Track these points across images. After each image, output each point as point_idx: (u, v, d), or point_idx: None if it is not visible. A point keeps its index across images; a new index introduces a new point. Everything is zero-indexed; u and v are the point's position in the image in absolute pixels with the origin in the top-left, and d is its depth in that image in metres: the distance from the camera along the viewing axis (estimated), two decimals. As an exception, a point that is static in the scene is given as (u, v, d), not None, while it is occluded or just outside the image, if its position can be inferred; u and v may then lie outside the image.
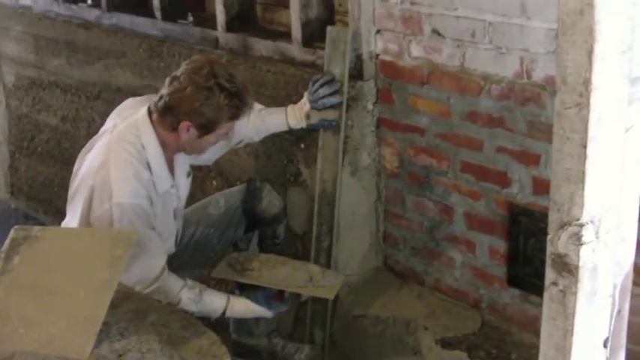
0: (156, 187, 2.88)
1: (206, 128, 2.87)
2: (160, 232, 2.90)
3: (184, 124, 2.85)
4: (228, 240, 3.38)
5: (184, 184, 3.11)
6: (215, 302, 2.97)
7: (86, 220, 2.83)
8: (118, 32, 4.57)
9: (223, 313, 2.99)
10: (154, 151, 2.88)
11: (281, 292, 3.06)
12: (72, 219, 2.93)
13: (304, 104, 3.27)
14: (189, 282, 2.92)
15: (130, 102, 3.13)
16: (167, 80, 2.89)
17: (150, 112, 2.91)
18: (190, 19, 4.23)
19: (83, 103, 4.88)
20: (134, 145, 2.85)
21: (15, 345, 2.22)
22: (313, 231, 3.44)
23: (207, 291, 2.96)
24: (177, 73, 2.88)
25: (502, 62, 2.96)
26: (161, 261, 2.86)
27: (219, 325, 2.98)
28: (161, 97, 2.87)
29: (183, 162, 3.07)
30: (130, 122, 2.92)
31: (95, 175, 2.82)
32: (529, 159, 2.97)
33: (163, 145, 2.91)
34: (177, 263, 3.07)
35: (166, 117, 2.86)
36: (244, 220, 3.36)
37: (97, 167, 2.83)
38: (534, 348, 3.02)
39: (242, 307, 3.01)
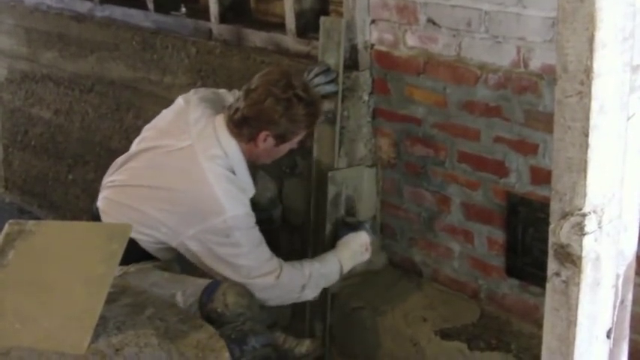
0: (248, 195, 2.99)
1: (283, 137, 2.97)
2: None
3: (263, 135, 2.93)
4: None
5: None
6: (331, 265, 3.12)
7: (185, 227, 2.88)
8: (111, 24, 4.54)
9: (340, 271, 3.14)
10: (239, 161, 2.96)
11: None
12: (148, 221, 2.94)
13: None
14: (297, 264, 3.04)
15: (190, 109, 3.06)
16: (242, 93, 2.96)
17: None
18: (183, 10, 4.21)
19: (76, 96, 4.86)
20: (222, 159, 2.91)
21: (11, 340, 2.20)
22: (310, 222, 3.43)
23: (317, 262, 3.09)
24: (252, 85, 2.95)
25: (499, 51, 2.94)
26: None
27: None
28: (237, 110, 2.93)
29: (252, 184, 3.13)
30: (208, 137, 2.94)
31: (192, 192, 2.87)
32: (527, 148, 2.96)
33: (253, 159, 3.04)
34: (180, 258, 3.12)
35: (244, 129, 2.93)
36: None
37: (191, 184, 2.88)
38: (534, 338, 3.03)
39: (349, 253, 3.17)
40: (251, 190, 3.00)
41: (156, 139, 3.04)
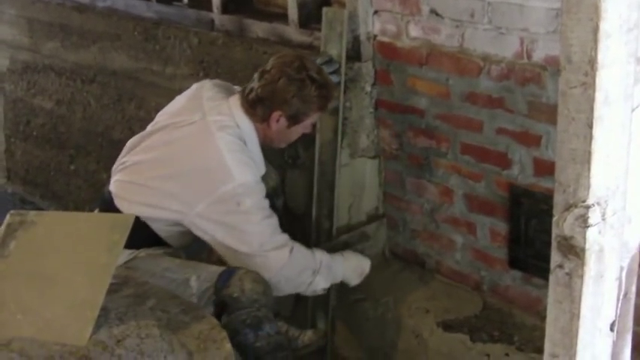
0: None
1: (295, 118, 3.01)
2: None
3: (275, 115, 2.98)
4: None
5: None
6: (339, 265, 3.15)
7: (197, 198, 2.89)
8: (113, 15, 4.53)
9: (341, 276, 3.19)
10: (251, 136, 2.99)
11: None
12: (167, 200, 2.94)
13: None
14: (308, 249, 3.06)
15: (205, 93, 3.09)
16: (256, 74, 3.01)
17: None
18: (185, 0, 4.20)
19: (78, 86, 4.85)
20: (236, 132, 2.95)
21: (13, 331, 2.20)
22: (313, 213, 3.42)
23: (328, 255, 3.11)
24: (267, 67, 3.00)
25: (502, 42, 2.93)
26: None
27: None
28: (252, 90, 2.98)
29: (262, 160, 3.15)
30: (221, 112, 2.98)
31: (203, 161, 2.90)
32: (530, 140, 2.95)
33: (268, 141, 3.07)
34: (186, 247, 3.15)
35: (257, 108, 2.97)
36: None
37: (203, 153, 2.91)
38: (536, 330, 3.03)
39: (350, 268, 3.20)
40: (262, 166, 3.02)
41: (169, 119, 3.08)
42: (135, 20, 4.38)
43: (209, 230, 2.92)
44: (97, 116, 4.77)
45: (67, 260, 2.30)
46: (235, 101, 3.01)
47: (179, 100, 3.16)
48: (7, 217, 2.40)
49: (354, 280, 3.22)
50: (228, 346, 2.30)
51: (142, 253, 2.99)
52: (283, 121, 2.99)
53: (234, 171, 2.85)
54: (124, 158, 3.11)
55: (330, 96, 3.05)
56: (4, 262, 2.31)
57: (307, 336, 3.24)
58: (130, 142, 3.13)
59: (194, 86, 3.17)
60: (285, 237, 2.96)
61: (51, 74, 5.06)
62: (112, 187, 3.07)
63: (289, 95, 2.94)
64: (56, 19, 4.90)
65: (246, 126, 2.97)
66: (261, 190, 2.93)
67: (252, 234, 2.89)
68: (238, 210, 2.87)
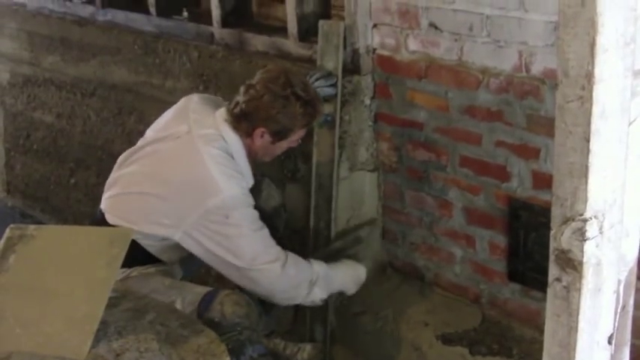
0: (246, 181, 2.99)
1: (280, 135, 2.99)
2: None
3: (259, 131, 2.96)
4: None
5: None
6: (339, 274, 3.14)
7: (185, 213, 2.86)
8: (113, 29, 4.54)
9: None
10: (238, 149, 2.97)
11: None
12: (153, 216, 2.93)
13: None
14: (305, 260, 3.05)
15: (191, 106, 3.10)
16: (242, 88, 2.99)
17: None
18: (185, 14, 4.21)
19: (78, 100, 4.86)
20: (222, 145, 2.93)
21: (12, 345, 2.19)
22: (310, 226, 3.42)
23: (327, 265, 3.09)
24: (253, 81, 2.99)
25: (500, 56, 2.94)
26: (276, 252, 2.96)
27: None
28: (237, 104, 2.96)
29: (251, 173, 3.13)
30: (207, 125, 2.97)
31: (189, 175, 2.88)
32: (528, 153, 2.95)
33: (254, 155, 3.05)
34: (183, 262, 3.11)
35: (242, 123, 2.96)
36: None
37: (188, 167, 2.89)
38: (536, 343, 3.03)
39: (349, 277, 3.19)
40: (250, 179, 2.99)
41: (156, 134, 3.08)
42: (135, 34, 4.38)
43: (199, 245, 2.90)
44: (97, 130, 4.77)
45: (66, 274, 2.30)
46: (221, 115, 2.99)
47: (167, 115, 3.15)
48: (7, 230, 2.40)
49: (351, 289, 3.20)
50: (228, 359, 2.30)
51: (135, 272, 2.95)
52: (267, 137, 2.98)
53: (221, 184, 2.83)
54: (115, 174, 3.10)
55: (315, 113, 3.02)
56: (3, 276, 2.30)
57: (306, 351, 3.24)
58: (121, 158, 3.12)
59: (182, 100, 3.16)
60: (277, 249, 2.93)
61: (51, 88, 5.06)
62: (103, 204, 3.06)
63: (273, 112, 2.92)
64: (57, 32, 4.91)
65: (233, 139, 2.95)
66: (249, 202, 2.91)
67: (244, 247, 2.87)
68: (227, 222, 2.85)
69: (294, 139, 3.05)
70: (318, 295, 3.05)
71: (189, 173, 2.89)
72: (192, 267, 3.19)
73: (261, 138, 2.97)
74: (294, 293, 2.99)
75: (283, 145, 3.06)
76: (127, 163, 3.07)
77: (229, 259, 2.87)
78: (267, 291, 2.91)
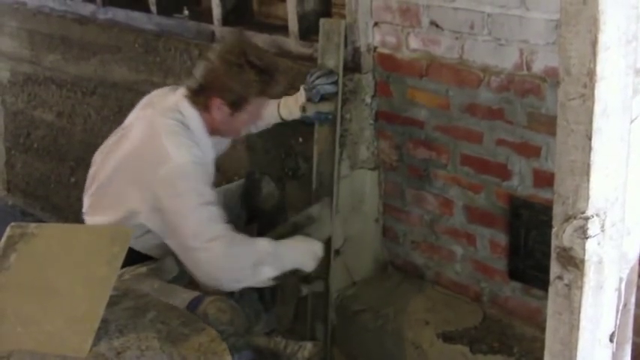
0: (203, 155, 2.93)
1: (236, 105, 2.93)
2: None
3: (215, 101, 2.92)
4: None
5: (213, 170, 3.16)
6: (286, 253, 2.96)
7: (144, 187, 2.83)
8: (114, 27, 4.54)
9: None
10: (196, 122, 2.94)
11: None
12: (117, 203, 2.92)
13: (300, 95, 3.27)
14: (249, 238, 2.93)
15: (155, 93, 3.17)
16: (198, 62, 3.01)
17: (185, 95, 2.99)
18: (186, 13, 4.21)
19: (79, 98, 4.86)
20: (177, 116, 2.92)
21: (13, 344, 2.20)
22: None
23: (275, 243, 2.94)
24: (210, 55, 2.98)
25: (501, 54, 2.94)
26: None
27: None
28: (193, 78, 2.97)
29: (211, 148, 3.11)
30: (167, 103, 2.98)
31: (145, 147, 2.87)
32: (529, 151, 2.95)
33: (213, 129, 2.99)
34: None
35: (199, 96, 2.94)
36: (244, 215, 3.35)
37: (144, 140, 2.89)
38: (536, 341, 3.03)
39: (303, 247, 3.02)
40: (210, 153, 2.96)
41: (123, 126, 3.11)
42: (135, 32, 4.39)
43: (157, 222, 2.84)
44: (98, 128, 4.78)
45: (67, 272, 2.30)
46: (181, 92, 2.99)
47: (135, 109, 3.17)
48: (8, 229, 2.40)
49: (308, 265, 3.03)
50: (229, 358, 2.29)
51: (127, 275, 2.89)
52: (225, 109, 2.93)
53: (171, 152, 2.80)
54: (90, 172, 3.13)
55: (271, 80, 2.94)
56: (4, 275, 2.31)
57: (307, 350, 3.24)
58: (95, 156, 3.14)
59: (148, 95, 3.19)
60: (222, 227, 2.81)
61: (52, 86, 5.07)
62: (84, 207, 3.09)
63: (227, 80, 2.89)
64: (57, 31, 4.91)
65: (191, 113, 2.93)
66: (201, 175, 2.84)
67: (187, 221, 2.78)
68: (175, 193, 2.79)
69: (252, 109, 2.99)
70: (266, 274, 2.89)
71: (143, 147, 2.88)
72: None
73: (219, 110, 2.93)
74: (241, 274, 2.85)
75: (244, 118, 3.00)
76: (99, 161, 3.08)
77: (175, 237, 2.81)
78: (211, 273, 2.79)
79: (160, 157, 2.80)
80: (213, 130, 3.00)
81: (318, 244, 3.05)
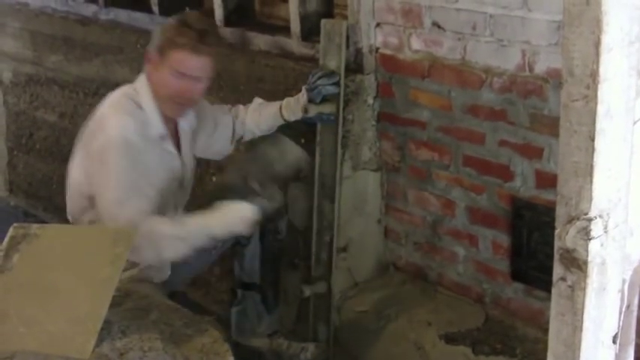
0: (147, 128, 2.89)
1: (160, 55, 2.89)
2: (155, 184, 2.87)
3: (147, 55, 2.96)
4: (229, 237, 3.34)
5: (191, 161, 3.15)
6: (196, 228, 2.86)
7: (83, 161, 2.91)
8: (116, 28, 4.54)
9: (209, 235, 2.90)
10: (145, 94, 2.94)
11: None
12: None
13: (302, 96, 3.26)
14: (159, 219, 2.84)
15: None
16: None
17: None
18: (188, 13, 4.20)
19: (81, 99, 4.86)
20: (129, 92, 2.95)
21: (15, 344, 2.20)
22: (314, 225, 3.42)
23: (179, 223, 2.86)
24: None
25: (504, 55, 2.93)
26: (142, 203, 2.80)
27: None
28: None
29: (189, 137, 3.12)
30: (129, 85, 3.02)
31: (91, 120, 2.95)
32: (532, 152, 2.95)
33: (156, 93, 2.93)
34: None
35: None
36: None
37: (96, 117, 2.94)
38: (539, 342, 3.02)
39: (220, 221, 2.89)
40: (154, 129, 2.91)
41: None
42: (138, 33, 4.38)
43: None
44: (100, 129, 4.77)
45: (70, 273, 2.30)
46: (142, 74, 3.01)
47: None
48: (11, 230, 2.40)
49: (240, 229, 2.95)
50: (231, 359, 2.30)
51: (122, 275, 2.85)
52: (152, 60, 2.91)
53: (108, 123, 2.82)
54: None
55: (194, 34, 2.86)
56: (7, 275, 2.31)
57: (309, 351, 3.24)
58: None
59: None
60: (134, 210, 2.74)
61: (54, 87, 5.07)
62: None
63: (157, 33, 2.95)
64: (59, 32, 4.91)
65: (142, 86, 2.94)
66: (135, 154, 2.80)
67: (104, 198, 2.78)
68: (101, 168, 2.79)
69: (175, 65, 2.86)
70: (174, 254, 2.82)
71: (91, 121, 2.95)
72: (186, 269, 3.14)
73: (150, 64, 2.93)
74: (148, 257, 2.80)
75: (170, 76, 2.88)
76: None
77: (96, 203, 2.83)
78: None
79: (98, 128, 2.86)
80: (158, 96, 2.93)
81: (245, 206, 2.93)
